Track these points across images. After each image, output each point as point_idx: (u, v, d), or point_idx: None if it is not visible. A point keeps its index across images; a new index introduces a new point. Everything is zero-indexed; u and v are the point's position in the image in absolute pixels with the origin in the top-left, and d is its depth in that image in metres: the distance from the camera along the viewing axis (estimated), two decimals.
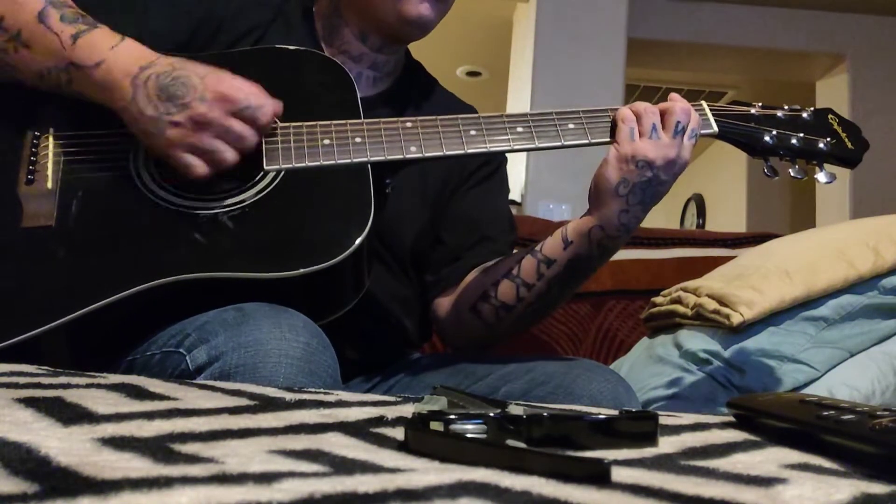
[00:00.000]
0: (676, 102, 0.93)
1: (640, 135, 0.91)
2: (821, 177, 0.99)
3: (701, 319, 1.33)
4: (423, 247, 1.11)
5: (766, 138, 0.98)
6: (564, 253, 0.96)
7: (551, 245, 0.98)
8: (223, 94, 0.84)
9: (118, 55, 0.86)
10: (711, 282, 1.39)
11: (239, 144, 0.85)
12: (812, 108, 1.02)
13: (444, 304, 1.11)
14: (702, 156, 6.32)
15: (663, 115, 0.92)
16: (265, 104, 0.86)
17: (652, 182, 0.91)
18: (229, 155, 0.85)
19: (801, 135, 0.99)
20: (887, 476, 0.43)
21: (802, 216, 4.97)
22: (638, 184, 0.91)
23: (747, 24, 4.26)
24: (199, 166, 0.84)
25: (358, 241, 0.83)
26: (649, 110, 0.92)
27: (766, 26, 4.27)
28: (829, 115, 1.02)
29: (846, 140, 1.00)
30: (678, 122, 0.91)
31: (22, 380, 0.55)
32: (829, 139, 0.99)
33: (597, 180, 0.94)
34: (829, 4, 4.24)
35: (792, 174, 0.99)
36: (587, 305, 1.71)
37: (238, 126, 0.84)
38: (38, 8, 0.86)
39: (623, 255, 1.78)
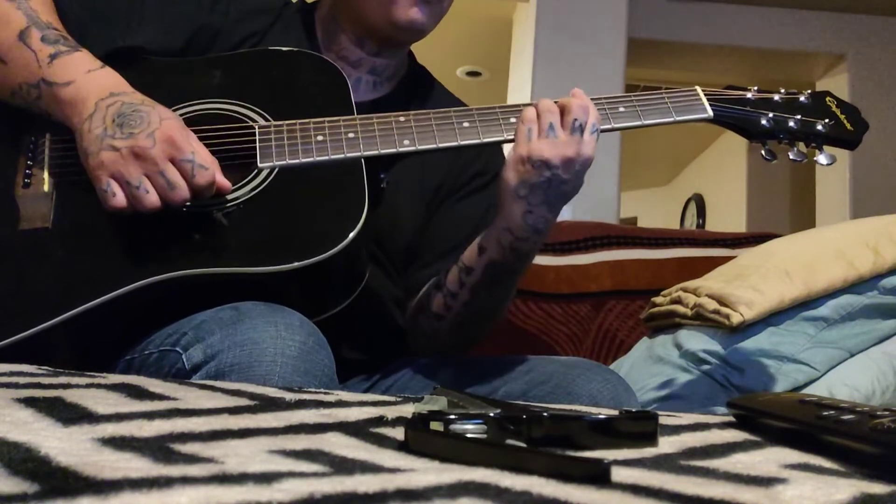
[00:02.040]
0: (574, 99, 0.89)
1: (538, 135, 0.88)
2: (821, 158, 0.97)
3: (701, 319, 1.33)
4: (416, 247, 1.11)
5: (763, 121, 0.97)
6: (480, 259, 0.95)
7: (469, 253, 0.97)
8: (172, 138, 0.81)
9: (92, 79, 0.85)
10: (711, 282, 1.39)
11: (166, 192, 0.80)
12: (809, 91, 1.01)
13: (407, 310, 1.11)
14: (702, 156, 6.32)
15: (562, 112, 0.89)
16: (209, 168, 0.82)
17: (553, 182, 0.88)
18: (151, 198, 0.80)
19: (799, 117, 0.98)
20: (887, 476, 0.43)
21: (802, 216, 4.96)
22: (537, 184, 0.88)
23: (747, 24, 4.25)
24: (117, 196, 0.80)
25: (351, 235, 0.83)
26: (549, 109, 0.89)
27: (766, 26, 4.27)
28: (827, 98, 1.01)
29: (845, 122, 0.99)
30: (575, 119, 0.88)
31: (22, 380, 0.55)
32: (827, 121, 0.98)
33: (498, 182, 0.92)
34: (829, 4, 4.23)
35: (791, 157, 0.98)
36: (587, 305, 1.71)
37: (172, 173, 0.80)
38: (20, 27, 0.86)
39: (623, 255, 1.78)
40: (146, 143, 0.80)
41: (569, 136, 0.87)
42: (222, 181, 0.83)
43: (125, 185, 0.80)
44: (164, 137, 0.81)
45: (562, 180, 0.88)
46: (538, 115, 0.89)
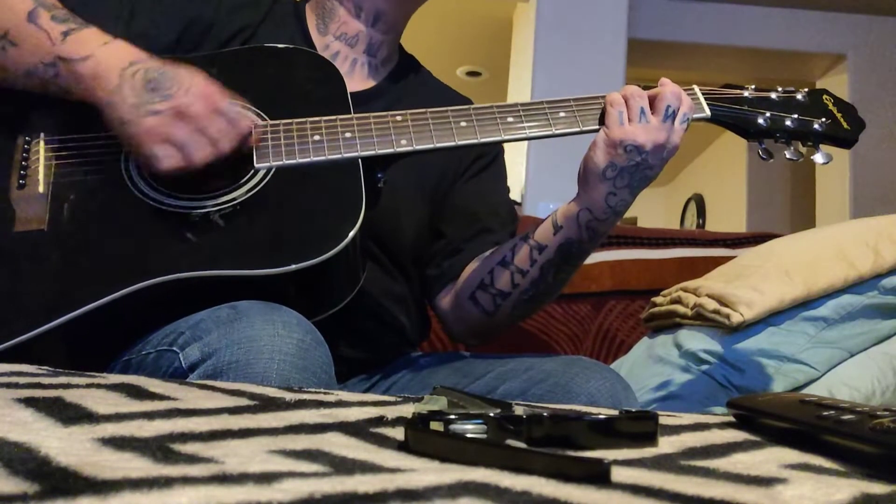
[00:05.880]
0: (666, 86, 0.92)
1: (629, 119, 0.90)
2: (818, 157, 0.97)
3: (701, 319, 1.33)
4: (424, 242, 1.11)
5: (760, 121, 0.97)
6: (555, 238, 0.97)
7: (542, 231, 0.99)
8: (208, 92, 0.84)
9: (108, 50, 0.85)
10: (711, 282, 1.39)
11: (215, 144, 0.83)
12: (806, 89, 1.01)
13: (445, 296, 1.11)
14: (702, 156, 6.32)
15: (653, 99, 0.92)
16: (247, 114, 0.86)
17: (640, 166, 0.91)
18: (201, 154, 0.82)
19: (796, 116, 0.98)
20: (887, 476, 0.43)
21: (802, 216, 4.96)
22: (626, 168, 0.91)
23: (747, 24, 4.25)
24: (166, 158, 0.82)
25: (349, 236, 0.83)
26: (637, 94, 0.91)
27: (766, 26, 4.27)
28: (824, 96, 1.01)
29: (842, 120, 0.98)
30: (668, 105, 0.91)
31: (22, 380, 0.55)
32: (824, 119, 0.98)
33: (585, 163, 0.94)
34: (829, 4, 4.23)
35: (787, 156, 0.97)
36: (587, 305, 1.71)
37: (216, 126, 0.83)
38: (27, 8, 0.86)
39: (623, 255, 1.78)
40: (186, 101, 0.82)
41: (660, 122, 0.90)
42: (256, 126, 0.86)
43: (174, 146, 0.82)
44: (200, 93, 0.83)
45: (648, 165, 0.91)
46: (626, 99, 0.90)
